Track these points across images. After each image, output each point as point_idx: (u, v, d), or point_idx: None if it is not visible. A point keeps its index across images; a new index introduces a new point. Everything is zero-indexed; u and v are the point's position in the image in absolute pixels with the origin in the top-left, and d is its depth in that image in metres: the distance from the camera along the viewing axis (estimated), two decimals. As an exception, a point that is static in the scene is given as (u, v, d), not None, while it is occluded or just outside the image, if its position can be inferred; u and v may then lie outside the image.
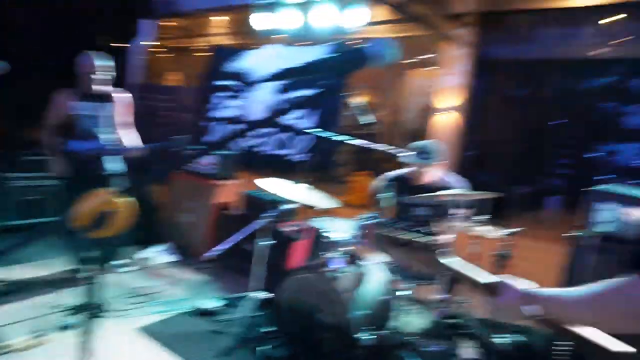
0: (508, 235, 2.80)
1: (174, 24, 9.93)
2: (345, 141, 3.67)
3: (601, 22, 7.02)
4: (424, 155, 3.25)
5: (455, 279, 1.38)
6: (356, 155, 11.33)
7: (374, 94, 14.03)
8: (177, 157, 5.06)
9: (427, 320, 3.29)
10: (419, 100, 11.77)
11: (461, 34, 7.33)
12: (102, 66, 3.65)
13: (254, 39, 7.72)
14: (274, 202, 3.11)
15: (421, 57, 10.24)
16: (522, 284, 1.11)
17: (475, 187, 3.52)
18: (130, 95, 3.89)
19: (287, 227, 4.16)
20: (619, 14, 6.55)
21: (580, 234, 2.51)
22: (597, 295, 0.94)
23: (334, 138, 3.51)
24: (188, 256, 4.72)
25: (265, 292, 3.26)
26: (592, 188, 2.56)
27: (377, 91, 13.93)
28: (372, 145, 3.98)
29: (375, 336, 2.81)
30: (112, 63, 3.69)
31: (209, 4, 5.89)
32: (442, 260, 1.13)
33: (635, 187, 2.87)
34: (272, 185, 3.26)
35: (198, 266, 4.50)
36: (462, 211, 3.05)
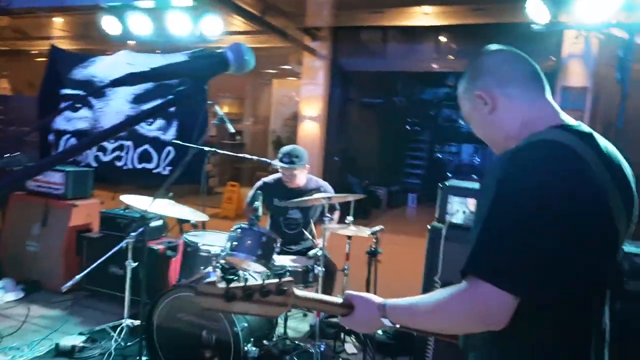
0: (373, 233, 3.00)
1: (3, 23, 8.68)
2: (213, 152, 3.60)
3: (440, 39, 8.04)
4: (289, 159, 3.38)
5: (315, 309, 1.34)
6: (229, 165, 11.19)
7: (240, 103, 13.99)
8: (15, 177, 4.42)
9: (311, 322, 3.37)
10: (285, 109, 12.07)
11: (318, 46, 7.74)
12: None
13: (103, 44, 7.15)
14: (141, 219, 2.88)
15: (284, 67, 10.54)
16: (375, 298, 1.11)
17: (341, 190, 3.73)
18: None
19: (158, 245, 3.91)
20: (453, 33, 7.55)
21: (436, 225, 2.80)
22: (438, 306, 0.97)
23: (201, 149, 3.41)
24: (40, 290, 4.13)
25: (140, 317, 3.01)
26: (443, 183, 2.88)
27: (243, 101, 13.92)
28: (241, 155, 3.97)
29: (262, 347, 2.79)
30: None
31: (45, 2, 5.26)
32: (296, 293, 1.07)
33: (476, 181, 3.33)
34: (138, 201, 3.04)
35: (54, 300, 3.96)
36: (330, 214, 3.21)
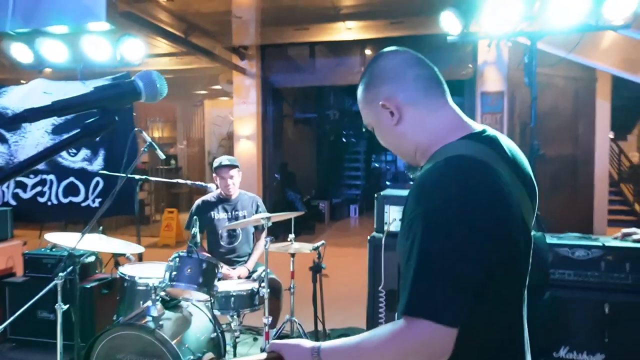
0: (315, 249, 3.01)
1: None
2: (144, 179, 3.47)
3: (365, 52, 8.30)
4: (227, 161, 3.49)
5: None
6: (165, 192, 10.80)
7: (172, 127, 13.61)
8: None
9: (261, 345, 3.30)
10: (219, 129, 11.91)
11: (247, 65, 7.73)
12: None
13: (15, 73, 6.70)
14: (70, 257, 2.70)
15: (215, 87, 10.41)
16: (306, 343, 0.99)
17: (283, 207, 3.73)
18: None
19: (91, 282, 3.68)
20: (376, 45, 7.84)
21: (375, 236, 2.86)
22: (378, 348, 0.90)
23: (131, 177, 3.28)
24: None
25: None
26: (379, 193, 2.96)
27: (175, 124, 13.55)
28: (174, 181, 3.87)
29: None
30: None
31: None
32: None
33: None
34: (65, 239, 2.85)
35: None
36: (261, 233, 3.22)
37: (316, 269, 2.99)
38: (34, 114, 0.80)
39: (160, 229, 8.35)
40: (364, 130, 1.16)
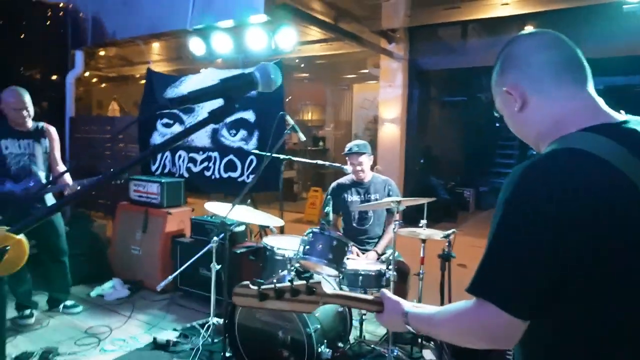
0: (446, 236, 2.94)
1: (111, 53, 9.79)
2: (287, 159, 3.77)
3: (526, 28, 7.58)
4: (356, 147, 3.58)
5: (347, 305, 1.37)
6: (311, 172, 11.51)
7: (322, 110, 14.27)
8: (120, 189, 4.96)
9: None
10: (366, 113, 12.13)
11: (395, 48, 7.69)
12: (29, 101, 3.55)
13: (192, 64, 7.75)
14: (222, 225, 3.11)
15: (363, 71, 10.61)
16: (404, 304, 1.15)
17: (423, 191, 3.71)
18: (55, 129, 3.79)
19: (241, 249, 4.17)
20: (538, 21, 7.09)
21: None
22: (450, 321, 1.00)
23: (277, 157, 3.59)
24: (141, 289, 4.60)
25: (223, 316, 3.24)
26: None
27: (324, 108, 14.18)
28: (314, 162, 4.12)
29: (336, 349, 2.86)
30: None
31: (143, 31, 5.86)
32: (326, 292, 1.15)
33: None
34: (220, 209, 3.28)
35: (154, 299, 4.40)
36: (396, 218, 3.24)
37: (445, 257, 2.92)
38: (176, 102, 0.97)
39: (306, 206, 8.93)
40: (495, 115, 1.15)
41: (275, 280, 1.13)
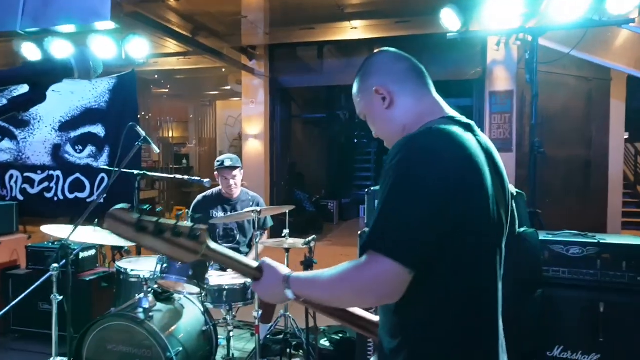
0: (307, 243, 3.01)
1: None
2: (142, 174, 3.52)
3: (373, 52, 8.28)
4: (230, 161, 3.51)
5: (226, 266, 1.23)
6: (176, 191, 10.94)
7: (185, 127, 13.75)
8: None
9: (255, 340, 3.31)
10: (231, 130, 12.00)
11: (255, 65, 7.79)
12: None
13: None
14: (63, 248, 2.75)
15: (225, 88, 10.51)
16: (284, 269, 1.12)
17: (290, 205, 3.75)
18: None
19: (90, 276, 3.74)
20: (383, 45, 7.82)
21: (365, 230, 2.84)
22: (338, 278, 0.99)
23: (128, 172, 3.33)
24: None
25: (69, 355, 2.84)
26: (371, 188, 2.94)
27: (186, 124, 13.69)
28: (171, 176, 3.92)
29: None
30: None
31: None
32: (210, 244, 1.07)
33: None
34: (60, 231, 2.91)
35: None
36: (262, 231, 3.24)
37: (307, 263, 2.97)
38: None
39: (169, 227, 8.44)
40: (356, 120, 1.25)
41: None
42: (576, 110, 7.51)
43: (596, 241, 2.64)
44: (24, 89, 0.85)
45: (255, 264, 1.15)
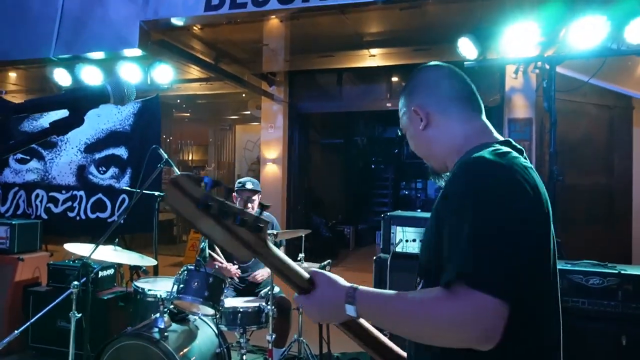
0: (322, 267, 3.01)
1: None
2: (162, 196, 3.60)
3: (391, 79, 8.39)
4: (251, 184, 3.54)
5: (278, 272, 0.99)
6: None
7: (204, 150, 13.99)
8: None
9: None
10: (250, 154, 12.17)
11: (275, 91, 7.96)
12: None
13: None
14: (84, 267, 2.82)
15: (245, 113, 10.72)
16: (343, 281, 0.99)
17: (308, 229, 3.78)
18: None
19: (108, 294, 3.79)
20: (401, 73, 7.91)
21: (381, 256, 2.84)
22: (421, 305, 0.89)
23: (149, 193, 3.41)
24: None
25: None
26: (387, 213, 2.95)
27: (205, 148, 13.93)
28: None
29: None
30: None
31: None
32: (268, 243, 0.94)
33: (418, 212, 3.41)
34: (82, 249, 2.98)
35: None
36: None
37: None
38: (10, 110, 0.88)
39: (186, 248, 8.52)
40: (399, 134, 1.24)
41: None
42: (598, 138, 7.43)
43: (617, 272, 2.58)
44: (63, 113, 0.91)
45: (307, 275, 1.01)
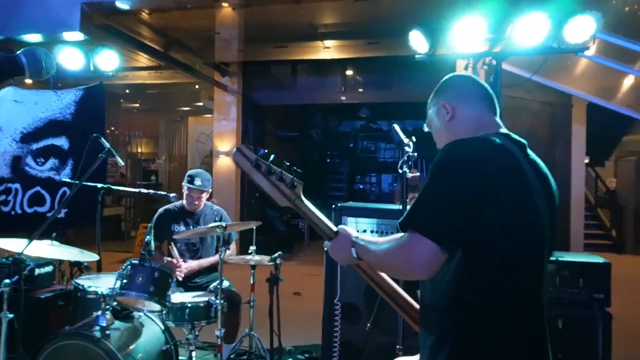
0: (273, 260, 2.97)
1: None
2: (105, 188, 3.43)
3: (347, 72, 8.42)
4: (200, 181, 3.43)
5: (310, 221, 1.40)
6: (143, 207, 10.67)
7: (154, 143, 13.53)
8: None
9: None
10: (202, 146, 11.88)
11: (228, 82, 7.79)
12: None
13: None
14: (15, 263, 2.63)
15: (197, 104, 10.44)
16: (353, 232, 1.34)
17: (262, 225, 3.69)
18: None
19: (45, 293, 3.57)
20: (356, 66, 7.95)
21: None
22: (386, 250, 1.18)
23: (91, 185, 3.24)
24: None
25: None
26: (338, 204, 2.94)
27: (156, 140, 13.48)
28: (134, 190, 3.83)
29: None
30: None
31: None
32: (302, 197, 1.32)
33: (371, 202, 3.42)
34: (14, 245, 2.78)
35: None
36: (227, 245, 3.18)
37: (273, 280, 2.94)
38: None
39: (135, 244, 8.22)
40: (425, 130, 1.45)
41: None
42: (540, 134, 7.79)
43: (554, 259, 2.70)
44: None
45: (335, 228, 1.36)
